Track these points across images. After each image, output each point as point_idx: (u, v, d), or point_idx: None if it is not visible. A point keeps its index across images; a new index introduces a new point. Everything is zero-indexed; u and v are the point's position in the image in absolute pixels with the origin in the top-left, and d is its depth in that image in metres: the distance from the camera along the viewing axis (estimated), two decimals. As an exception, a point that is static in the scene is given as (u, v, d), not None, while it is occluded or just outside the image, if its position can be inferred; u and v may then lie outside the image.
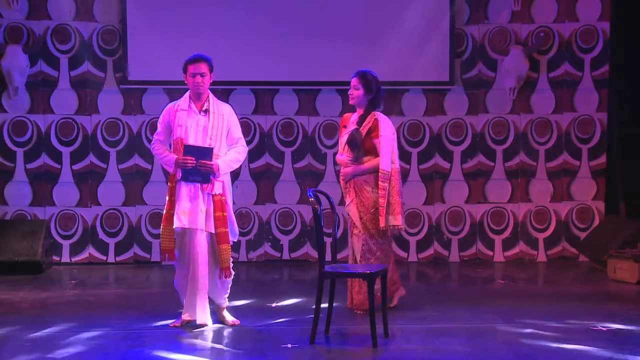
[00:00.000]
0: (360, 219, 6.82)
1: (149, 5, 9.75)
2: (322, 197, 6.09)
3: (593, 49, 9.96)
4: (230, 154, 6.42)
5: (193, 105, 6.39)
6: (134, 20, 9.67)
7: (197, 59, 6.38)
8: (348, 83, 9.83)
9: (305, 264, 9.73)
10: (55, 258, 9.70)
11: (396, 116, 9.97)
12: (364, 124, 6.88)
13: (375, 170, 6.80)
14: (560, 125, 10.00)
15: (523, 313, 6.78)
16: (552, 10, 9.97)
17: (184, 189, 6.26)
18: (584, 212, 10.02)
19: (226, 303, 6.50)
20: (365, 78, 6.88)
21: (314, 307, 5.84)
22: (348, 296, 7.00)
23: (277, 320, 6.61)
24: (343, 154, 6.97)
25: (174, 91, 9.66)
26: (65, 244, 9.78)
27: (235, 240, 6.57)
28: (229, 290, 6.50)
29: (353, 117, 7.01)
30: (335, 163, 9.21)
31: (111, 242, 9.84)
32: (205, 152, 6.23)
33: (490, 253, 10.01)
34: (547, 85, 9.99)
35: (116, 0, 9.75)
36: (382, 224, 6.74)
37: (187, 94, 6.46)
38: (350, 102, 7.00)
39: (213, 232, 6.28)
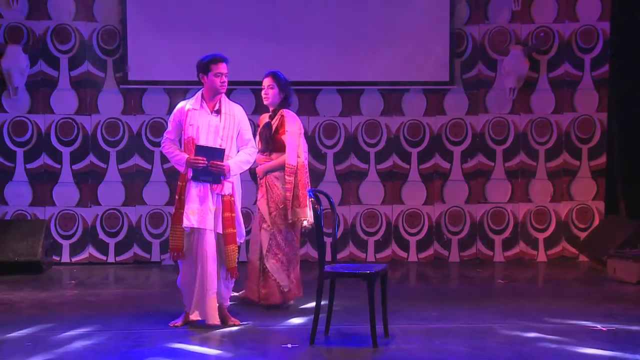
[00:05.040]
0: (270, 214, 7.02)
1: (149, 5, 9.76)
2: (322, 197, 6.09)
3: (593, 49, 9.96)
4: (241, 155, 6.43)
5: (205, 105, 6.38)
6: (134, 20, 9.68)
7: (221, 59, 6.38)
8: (349, 83, 9.96)
9: (305, 264, 9.72)
10: (55, 258, 9.70)
11: (396, 116, 9.99)
12: (273, 121, 7.10)
13: (284, 166, 6.98)
14: (560, 125, 10.01)
15: (523, 313, 6.78)
16: (552, 10, 9.97)
17: (194, 189, 6.26)
18: (584, 212, 10.02)
19: (228, 303, 6.50)
20: (278, 77, 7.10)
21: (314, 307, 5.83)
22: (251, 287, 7.15)
23: (277, 320, 6.61)
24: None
25: (174, 91, 9.69)
26: (65, 244, 9.78)
27: (242, 242, 6.58)
28: (232, 291, 6.51)
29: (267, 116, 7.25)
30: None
31: (111, 242, 9.84)
32: (217, 153, 6.23)
33: (490, 253, 10.01)
34: (547, 85, 9.99)
35: (116, 0, 9.75)
36: (289, 216, 6.97)
37: (199, 93, 6.45)
38: (265, 102, 7.18)
39: (221, 232, 6.28)
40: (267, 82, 7.09)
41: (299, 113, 9.86)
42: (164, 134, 6.55)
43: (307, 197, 6.98)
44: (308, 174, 7.13)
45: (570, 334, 6.04)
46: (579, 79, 9.99)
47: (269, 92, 7.07)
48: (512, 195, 10.04)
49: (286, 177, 6.94)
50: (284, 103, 7.12)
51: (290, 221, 6.98)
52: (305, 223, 7.02)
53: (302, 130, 7.16)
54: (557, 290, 8.19)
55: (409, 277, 9.15)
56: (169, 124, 6.53)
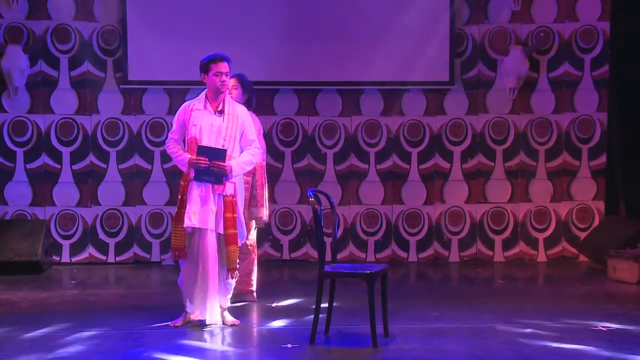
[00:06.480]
0: None
1: (149, 6, 9.76)
2: (322, 197, 6.09)
3: (593, 49, 9.96)
4: (244, 155, 6.42)
5: (209, 106, 6.38)
6: (134, 20, 9.68)
7: (221, 58, 6.37)
8: (348, 83, 9.98)
9: (305, 264, 9.73)
10: (55, 258, 9.70)
11: (396, 116, 9.99)
12: None
13: None
14: (560, 125, 10.01)
15: (523, 313, 6.78)
16: (552, 10, 9.97)
17: (196, 189, 6.26)
18: (584, 212, 10.02)
19: (227, 304, 6.50)
20: (242, 79, 7.26)
21: (314, 307, 5.84)
22: None
23: (277, 320, 6.61)
24: None
25: (174, 91, 9.68)
26: (65, 244, 9.79)
27: (244, 242, 6.58)
28: (231, 291, 6.51)
29: None
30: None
31: (111, 242, 9.84)
32: (219, 153, 6.23)
33: (490, 253, 10.01)
34: (547, 85, 9.99)
35: (116, 0, 9.75)
36: (246, 215, 7.04)
37: (203, 93, 6.44)
38: None
39: (222, 233, 6.28)
40: (232, 82, 7.15)
41: (299, 113, 9.94)
42: (169, 134, 6.56)
43: (264, 197, 7.23)
44: (266, 175, 7.30)
45: (570, 334, 6.04)
46: (579, 79, 9.99)
47: (233, 92, 7.14)
48: (512, 195, 10.04)
49: (244, 177, 6.99)
50: (248, 104, 7.20)
51: (246, 219, 7.07)
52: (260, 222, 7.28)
53: (262, 132, 7.33)
54: (557, 290, 8.18)
55: (409, 277, 9.15)
56: (173, 124, 6.53)
